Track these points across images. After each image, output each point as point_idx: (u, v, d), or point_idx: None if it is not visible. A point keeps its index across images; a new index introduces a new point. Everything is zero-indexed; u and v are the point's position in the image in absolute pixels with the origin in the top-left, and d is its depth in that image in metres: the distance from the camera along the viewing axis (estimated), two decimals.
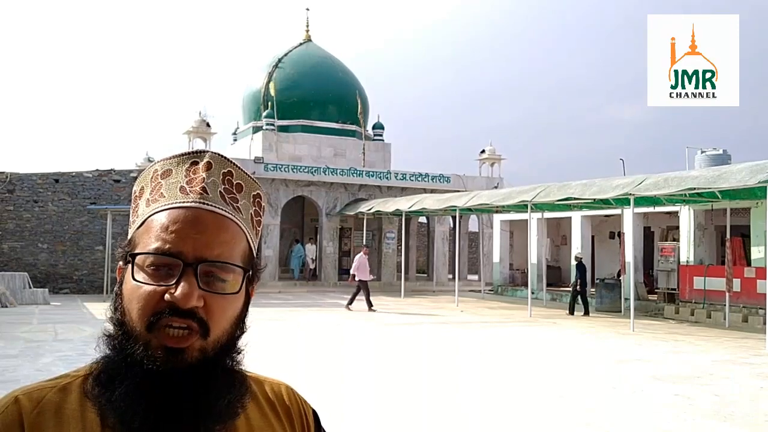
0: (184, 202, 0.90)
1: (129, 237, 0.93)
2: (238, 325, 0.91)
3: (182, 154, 0.94)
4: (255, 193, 0.97)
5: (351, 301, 17.36)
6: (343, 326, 14.08)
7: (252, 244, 0.94)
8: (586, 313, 16.96)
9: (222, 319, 0.87)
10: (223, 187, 0.92)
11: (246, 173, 0.96)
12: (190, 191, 0.90)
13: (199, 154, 0.94)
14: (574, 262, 18.11)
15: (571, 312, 17.03)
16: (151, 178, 0.94)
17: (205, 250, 0.86)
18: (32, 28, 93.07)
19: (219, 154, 0.95)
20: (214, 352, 0.86)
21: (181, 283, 0.84)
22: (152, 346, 0.83)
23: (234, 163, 0.95)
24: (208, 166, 0.92)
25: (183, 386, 0.83)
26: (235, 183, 0.94)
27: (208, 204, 0.90)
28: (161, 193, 0.91)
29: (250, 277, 0.93)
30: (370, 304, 17.11)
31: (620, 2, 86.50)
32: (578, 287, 17.09)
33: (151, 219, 0.90)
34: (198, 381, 0.84)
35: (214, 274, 0.87)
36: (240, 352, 0.92)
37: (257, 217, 0.97)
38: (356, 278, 17.57)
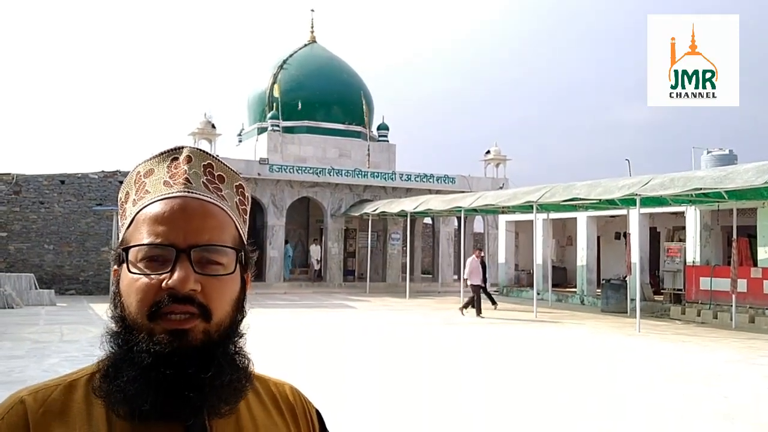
0: (169, 193, 0.91)
1: (120, 238, 0.94)
2: (238, 308, 0.92)
3: (161, 153, 0.96)
4: (237, 183, 0.98)
5: (478, 308, 16.25)
6: (348, 326, 14.08)
7: (241, 231, 0.96)
8: (493, 303, 17.95)
9: (221, 301, 0.89)
10: (205, 177, 0.94)
11: (226, 165, 0.98)
12: (174, 183, 0.92)
13: (178, 150, 0.96)
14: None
15: (493, 303, 17.88)
16: (135, 180, 0.96)
17: (196, 235, 0.88)
18: (38, 29, 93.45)
19: (198, 149, 0.97)
20: (217, 334, 0.88)
21: (177, 269, 0.86)
22: (156, 332, 0.85)
23: (213, 156, 0.97)
24: (189, 160, 0.94)
25: (187, 367, 0.84)
26: (216, 174, 0.96)
27: (193, 192, 0.92)
28: (146, 190, 0.93)
29: (243, 260, 0.94)
30: (479, 310, 16.20)
31: (626, 2, 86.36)
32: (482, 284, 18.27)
33: (140, 214, 0.92)
34: (202, 361, 0.86)
35: (208, 258, 0.88)
36: (242, 336, 0.93)
37: (242, 206, 0.99)
38: (468, 283, 16.60)
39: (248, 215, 1.02)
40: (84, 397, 0.89)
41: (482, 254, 17.48)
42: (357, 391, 7.64)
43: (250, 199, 1.02)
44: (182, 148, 0.97)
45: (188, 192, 0.91)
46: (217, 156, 1.00)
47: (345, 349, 10.98)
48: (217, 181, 0.95)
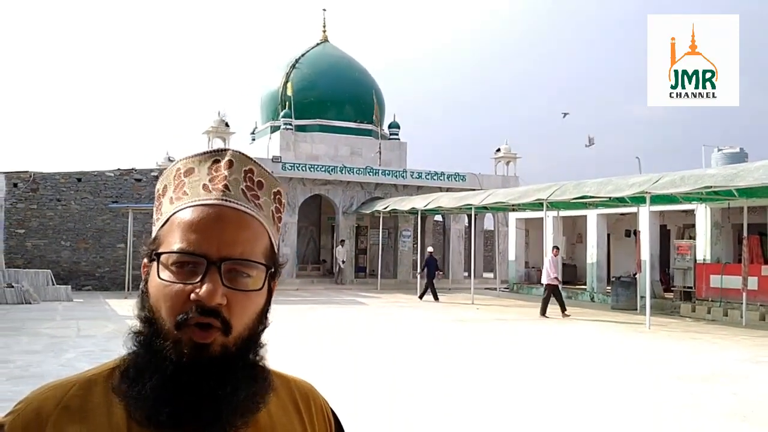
0: (207, 199, 0.90)
1: (153, 235, 0.93)
2: (261, 320, 0.92)
3: (204, 153, 0.96)
4: (275, 190, 0.97)
5: (562, 306, 15.55)
6: (360, 323, 14.20)
7: (273, 241, 0.95)
8: (435, 298, 19.68)
9: (243, 315, 0.88)
10: (244, 184, 0.93)
11: (266, 171, 0.97)
12: (213, 189, 0.91)
13: (221, 152, 0.95)
14: (426, 256, 20.95)
15: (421, 297, 19.97)
16: (174, 176, 0.95)
17: (229, 248, 0.87)
18: (54, 29, 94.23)
19: (240, 152, 0.96)
20: (235, 347, 0.87)
21: (206, 282, 0.85)
22: (182, 342, 0.85)
23: (255, 161, 0.96)
24: (230, 164, 0.93)
25: (205, 379, 0.85)
26: (256, 180, 0.94)
27: (230, 201, 0.90)
28: (184, 191, 0.92)
29: (273, 273, 0.93)
30: (563, 308, 15.46)
31: (639, 3, 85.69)
32: (428, 277, 20.04)
33: (175, 217, 0.91)
34: (220, 374, 0.85)
35: (238, 272, 0.88)
36: (263, 346, 0.93)
37: (278, 213, 0.98)
38: (544, 282, 15.88)
39: (282, 222, 1.01)
40: (103, 394, 0.89)
41: (558, 252, 16.49)
42: (368, 386, 7.72)
43: (285, 205, 1.02)
44: (226, 150, 0.96)
45: (226, 200, 0.90)
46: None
47: (355, 345, 11.07)
48: (255, 188, 0.94)
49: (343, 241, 26.31)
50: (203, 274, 0.86)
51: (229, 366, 0.86)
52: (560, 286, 15.86)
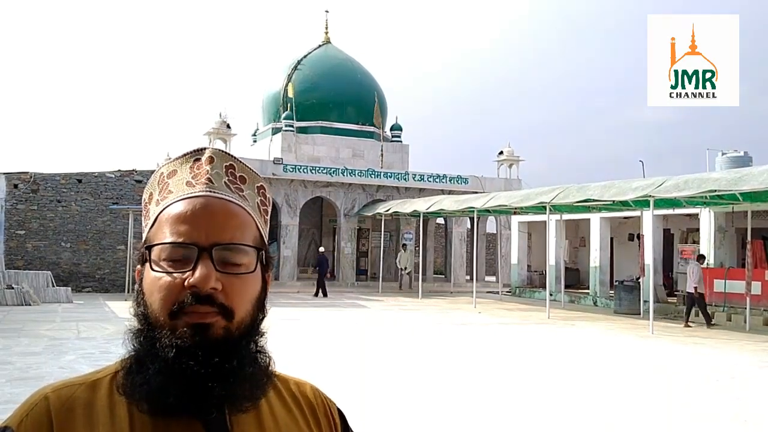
0: (192, 193, 0.92)
1: (144, 238, 0.95)
2: (259, 307, 0.93)
3: (184, 154, 0.98)
4: (258, 184, 0.99)
5: (707, 317, 14.96)
6: (361, 326, 14.14)
7: (262, 231, 0.96)
8: (325, 294, 21.29)
9: (242, 300, 0.89)
10: (227, 178, 0.95)
11: (247, 166, 0.99)
12: (197, 183, 0.93)
13: (200, 151, 0.97)
14: (318, 255, 22.58)
15: (316, 294, 21.52)
16: (158, 181, 0.97)
17: (218, 234, 0.89)
18: (55, 29, 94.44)
19: (220, 150, 0.98)
20: (238, 332, 0.88)
21: (199, 267, 0.86)
22: (178, 327, 0.85)
23: (235, 157, 0.98)
24: (211, 160, 0.95)
25: (210, 362, 0.85)
26: (238, 175, 0.96)
27: (215, 192, 0.92)
28: (169, 190, 0.94)
29: (264, 260, 0.94)
30: (708, 320, 14.92)
31: (639, 3, 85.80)
32: (319, 275, 21.61)
33: (162, 214, 0.92)
34: (224, 357, 0.86)
35: (230, 258, 0.89)
36: (263, 335, 0.94)
37: (263, 206, 0.99)
38: (698, 291, 14.84)
39: (269, 216, 1.02)
40: (107, 395, 0.89)
41: (701, 258, 15.51)
42: (373, 389, 7.68)
43: (271, 200, 1.03)
44: (204, 149, 0.98)
45: (211, 192, 0.92)
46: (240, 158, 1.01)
47: (359, 348, 11.03)
48: (238, 182, 0.96)
49: (405, 245, 25.57)
50: (195, 261, 0.86)
51: (232, 350, 0.87)
52: (703, 296, 14.81)
